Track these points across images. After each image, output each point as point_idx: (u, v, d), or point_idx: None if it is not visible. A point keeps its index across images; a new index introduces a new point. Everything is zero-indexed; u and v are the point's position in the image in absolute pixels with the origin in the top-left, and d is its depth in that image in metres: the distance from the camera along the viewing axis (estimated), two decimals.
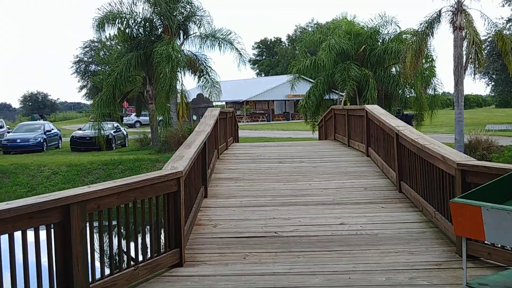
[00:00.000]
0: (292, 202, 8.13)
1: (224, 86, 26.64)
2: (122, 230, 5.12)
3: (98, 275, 4.60)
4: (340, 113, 14.84)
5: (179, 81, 24.82)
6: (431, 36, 18.91)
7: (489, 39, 34.43)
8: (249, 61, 79.26)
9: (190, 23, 25.57)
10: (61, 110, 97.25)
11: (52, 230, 4.25)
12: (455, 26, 18.60)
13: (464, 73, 18.58)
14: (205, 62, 26.23)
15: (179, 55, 22.93)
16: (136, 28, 25.01)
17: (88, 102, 70.40)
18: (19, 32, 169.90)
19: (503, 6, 39.39)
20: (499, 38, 18.39)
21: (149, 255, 5.35)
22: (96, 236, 4.81)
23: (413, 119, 23.85)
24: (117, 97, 25.05)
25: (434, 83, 22.88)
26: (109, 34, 33.41)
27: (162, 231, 5.74)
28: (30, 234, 3.99)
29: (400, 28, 23.31)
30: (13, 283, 3.72)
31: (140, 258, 5.35)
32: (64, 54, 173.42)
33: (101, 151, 25.48)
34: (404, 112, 26.33)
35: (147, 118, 30.12)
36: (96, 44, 64.94)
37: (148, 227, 5.61)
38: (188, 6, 24.82)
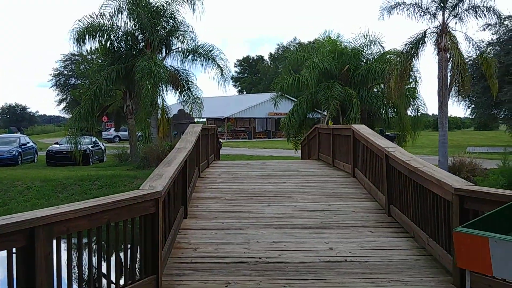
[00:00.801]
0: (277, 224, 7.72)
1: (205, 103, 26.22)
2: (93, 256, 4.67)
3: None
4: (325, 132, 14.54)
5: (161, 96, 24.35)
6: (416, 57, 18.82)
7: (469, 62, 34.66)
8: (231, 78, 79.11)
9: (173, 38, 25.18)
10: (39, 123, 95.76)
11: (14, 256, 3.80)
12: (440, 48, 18.53)
13: (449, 94, 18.48)
14: (187, 78, 25.82)
15: (161, 70, 22.49)
16: (117, 41, 24.51)
17: (67, 116, 69.27)
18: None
19: (484, 30, 39.79)
20: (483, 61, 18.36)
21: (122, 283, 4.90)
22: (64, 263, 4.34)
23: (395, 139, 23.68)
24: (96, 111, 24.44)
25: (417, 104, 22.80)
26: (90, 47, 32.89)
27: (138, 256, 5.30)
28: None
29: (384, 48, 23.25)
30: None
31: (113, 286, 4.89)
32: (44, 66, 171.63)
33: (77, 166, 24.80)
34: (386, 133, 26.19)
35: (127, 133, 29.50)
36: (76, 57, 64.20)
37: (122, 252, 5.15)
38: (171, 20, 24.45)
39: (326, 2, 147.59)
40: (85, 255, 4.58)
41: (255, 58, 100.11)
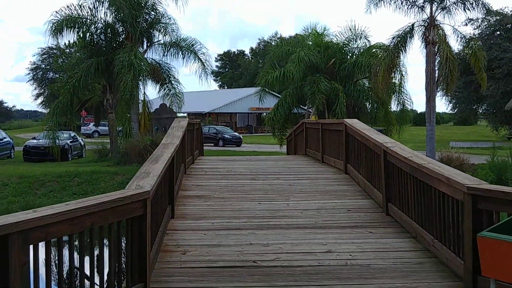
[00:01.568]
0: (270, 224, 7.29)
1: (186, 97, 25.66)
2: (75, 264, 4.19)
3: None
4: (313, 127, 14.14)
5: (141, 90, 23.74)
6: (403, 51, 18.54)
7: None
8: (212, 73, 78.35)
9: (154, 30, 24.53)
10: (16, 118, 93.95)
11: None
12: (428, 41, 18.29)
13: (437, 89, 18.24)
14: (169, 71, 25.25)
15: (142, 63, 21.87)
16: (97, 34, 23.79)
17: (45, 111, 67.96)
18: None
19: (466, 25, 39.89)
20: (472, 54, 18.14)
21: None
22: (42, 274, 3.86)
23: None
24: (75, 105, 23.72)
25: (403, 98, 22.55)
26: (68, 41, 32.00)
27: (123, 263, 4.83)
28: None
29: (370, 42, 22.94)
30: None
31: None
32: (21, 60, 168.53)
33: (56, 162, 24.06)
34: (372, 127, 25.92)
35: (106, 128, 28.82)
36: (54, 51, 62.91)
37: (106, 259, 4.67)
38: (152, 12, 23.79)
39: None
40: (66, 264, 4.10)
41: (236, 53, 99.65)
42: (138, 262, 4.79)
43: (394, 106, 23.19)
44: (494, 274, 3.65)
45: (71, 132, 29.54)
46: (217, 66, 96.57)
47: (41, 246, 3.75)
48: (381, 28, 42.72)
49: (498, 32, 44.10)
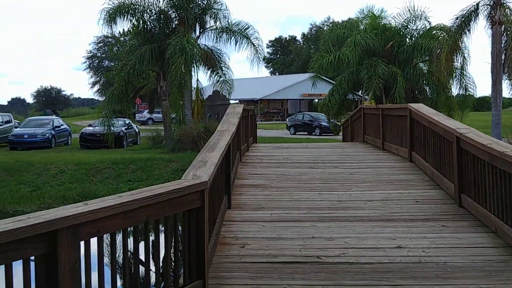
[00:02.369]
0: (332, 216, 6.84)
1: (237, 84, 25.43)
2: (130, 260, 3.89)
3: None
4: (372, 112, 13.52)
5: (194, 76, 23.62)
6: (467, 32, 17.52)
7: None
8: (263, 59, 78.03)
9: (207, 16, 24.33)
10: (74, 106, 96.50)
11: (32, 265, 3.02)
12: (494, 21, 17.20)
13: (503, 71, 17.18)
14: (220, 57, 25.04)
15: (194, 49, 21.67)
16: (150, 20, 23.79)
17: (101, 98, 69.51)
18: (35, 25, 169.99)
19: None
20: None
21: None
22: (94, 272, 3.56)
23: None
24: (129, 92, 23.87)
25: (466, 82, 21.39)
26: (123, 29, 32.29)
27: (180, 258, 4.51)
28: None
29: (430, 23, 21.84)
30: None
31: None
32: (79, 48, 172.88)
33: (111, 149, 24.33)
34: None
35: (160, 115, 28.94)
36: (109, 39, 64.03)
37: (162, 255, 4.36)
38: None
39: None
40: (119, 261, 3.80)
41: (287, 39, 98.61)
42: (196, 258, 4.45)
43: (455, 90, 22.13)
44: None
45: (126, 119, 29.84)
46: (268, 53, 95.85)
47: (93, 243, 3.45)
48: (439, 9, 41.04)
49: None
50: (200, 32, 24.44)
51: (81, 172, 18.76)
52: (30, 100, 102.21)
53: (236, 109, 9.79)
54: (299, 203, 7.45)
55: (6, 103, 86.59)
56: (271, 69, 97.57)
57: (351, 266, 5.15)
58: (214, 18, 24.36)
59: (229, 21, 24.15)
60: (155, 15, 23.54)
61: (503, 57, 17.26)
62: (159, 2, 23.25)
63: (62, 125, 29.59)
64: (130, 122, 30.89)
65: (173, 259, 4.54)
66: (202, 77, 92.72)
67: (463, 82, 21.22)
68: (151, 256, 4.05)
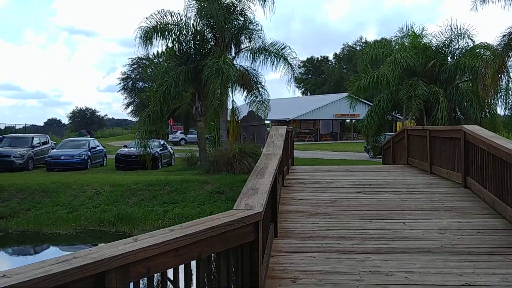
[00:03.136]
0: (388, 248, 6.34)
1: (270, 104, 25.13)
2: None
3: None
4: (418, 134, 12.95)
5: (230, 97, 23.42)
6: None
7: None
8: (295, 79, 77.84)
9: (242, 36, 24.20)
10: (108, 127, 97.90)
11: None
12: None
13: None
14: (256, 78, 24.83)
15: (230, 69, 21.49)
16: (185, 41, 23.77)
17: (135, 119, 70.24)
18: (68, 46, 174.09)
19: None
20: None
21: None
22: None
23: None
24: (164, 113, 23.80)
25: (511, 102, 20.58)
26: (157, 51, 32.51)
27: None
28: None
29: (473, 42, 21.18)
30: None
31: None
32: (113, 71, 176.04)
33: (146, 170, 24.20)
34: None
35: (193, 135, 28.82)
36: (143, 61, 64.86)
37: None
38: (241, 18, 23.45)
39: None
40: None
41: (319, 59, 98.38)
42: None
43: (500, 111, 21.33)
44: None
45: (161, 140, 29.78)
46: (299, 73, 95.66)
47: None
48: (480, 28, 40.17)
49: None
50: (235, 53, 24.32)
51: (116, 193, 18.61)
52: (65, 121, 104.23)
53: (279, 131, 9.40)
54: (350, 232, 6.98)
55: (42, 124, 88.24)
56: (303, 89, 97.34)
57: None
58: (249, 38, 24.23)
59: (264, 41, 23.99)
60: (191, 36, 23.50)
61: None
62: (196, 23, 23.20)
63: (97, 146, 29.69)
64: (165, 143, 30.83)
65: None
66: (237, 98, 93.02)
67: (508, 102, 20.45)
68: None
